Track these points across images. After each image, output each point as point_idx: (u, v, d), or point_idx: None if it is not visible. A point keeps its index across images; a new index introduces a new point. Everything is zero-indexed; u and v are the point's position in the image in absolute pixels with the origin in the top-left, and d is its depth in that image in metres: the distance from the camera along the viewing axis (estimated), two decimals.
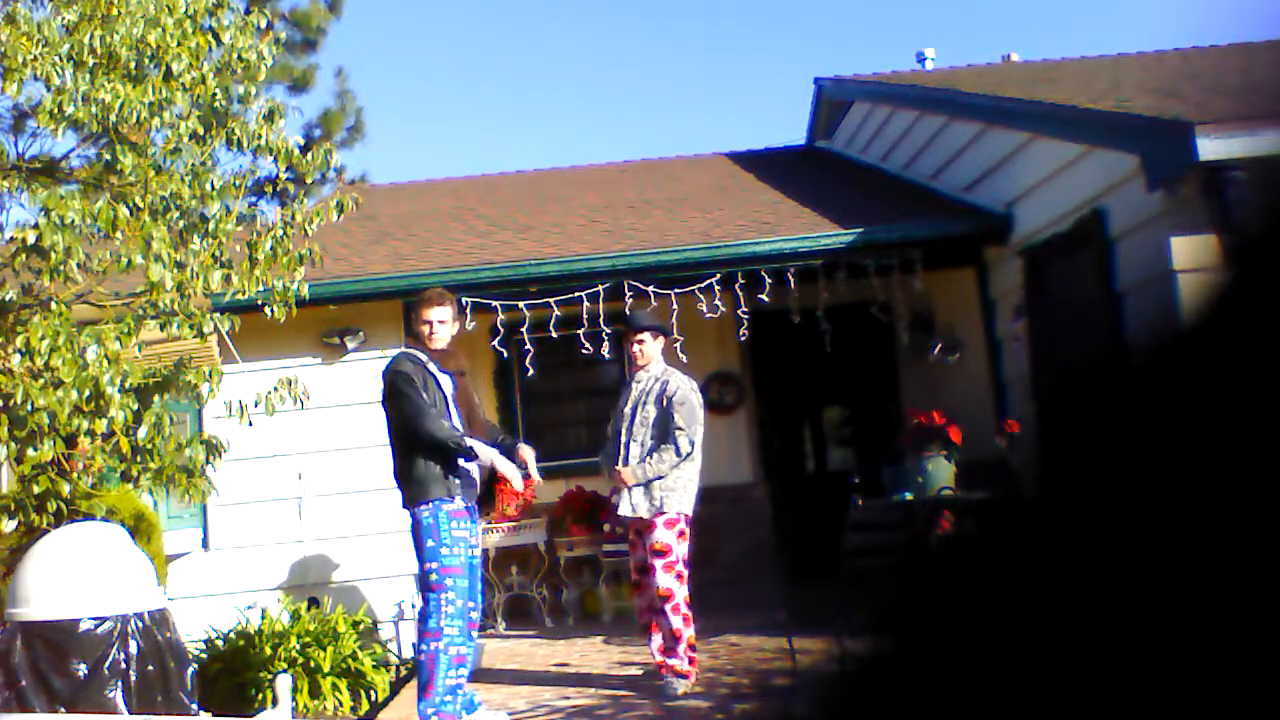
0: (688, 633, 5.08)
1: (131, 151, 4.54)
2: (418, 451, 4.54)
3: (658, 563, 5.07)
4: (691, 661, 5.09)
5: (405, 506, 4.64)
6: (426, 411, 4.51)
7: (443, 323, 4.79)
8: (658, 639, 5.14)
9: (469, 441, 4.53)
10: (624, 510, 5.16)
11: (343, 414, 7.02)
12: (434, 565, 4.50)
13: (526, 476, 4.76)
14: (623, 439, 5.23)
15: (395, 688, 5.98)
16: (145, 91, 4.41)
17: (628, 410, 5.27)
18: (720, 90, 35.90)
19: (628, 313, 6.03)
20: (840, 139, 10.85)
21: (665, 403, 5.15)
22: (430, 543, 4.51)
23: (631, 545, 5.36)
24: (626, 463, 5.15)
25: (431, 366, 4.70)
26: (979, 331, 7.51)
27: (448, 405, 4.67)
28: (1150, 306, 5.22)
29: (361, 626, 6.23)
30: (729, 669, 5.45)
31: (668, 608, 5.05)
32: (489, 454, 4.61)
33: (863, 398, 9.13)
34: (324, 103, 17.30)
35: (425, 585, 4.56)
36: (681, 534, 5.15)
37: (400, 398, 4.58)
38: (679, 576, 5.09)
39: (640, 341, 5.32)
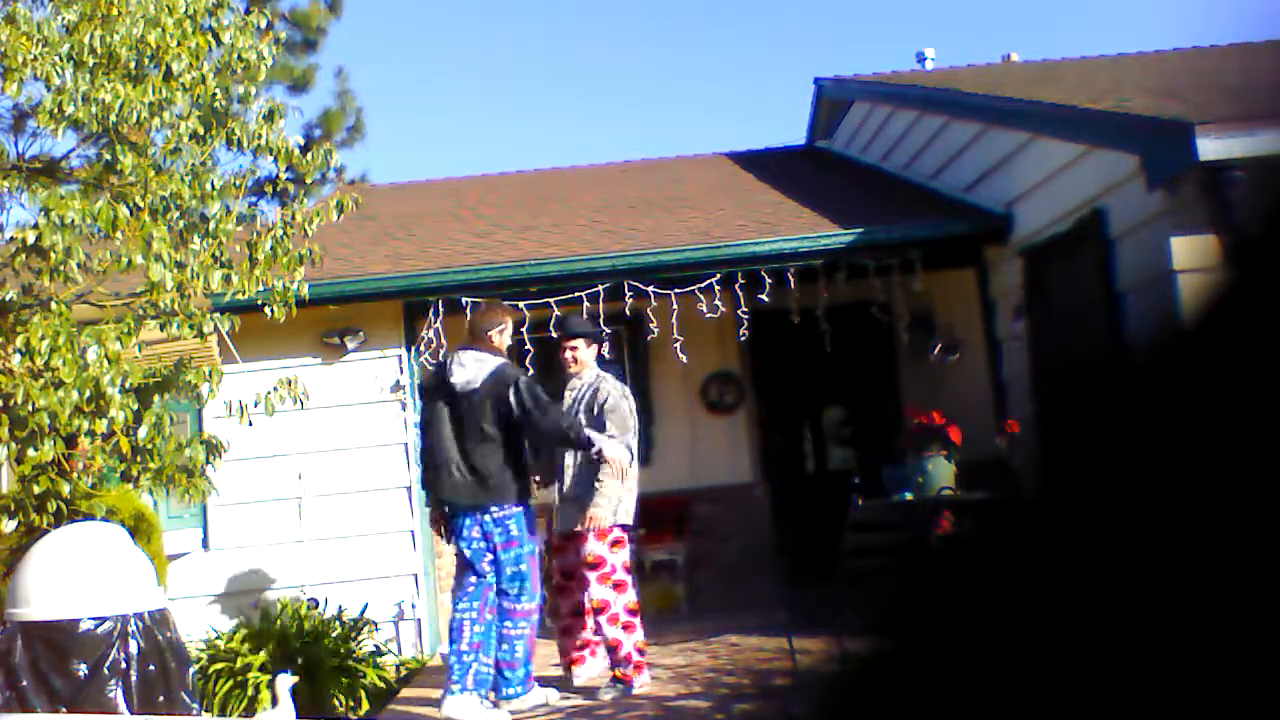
0: (631, 639, 5.06)
1: (131, 151, 4.54)
2: (520, 453, 4.90)
3: (591, 575, 5.02)
4: (638, 668, 5.07)
5: (496, 501, 4.79)
6: (564, 412, 5.03)
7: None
8: (563, 641, 5.30)
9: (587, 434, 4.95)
10: (562, 525, 5.17)
11: (343, 414, 7.02)
12: (531, 552, 4.92)
13: None
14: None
15: (395, 688, 5.98)
16: (145, 91, 4.41)
17: None
18: (720, 90, 35.91)
19: (572, 316, 5.98)
20: (840, 139, 10.84)
21: (596, 411, 5.09)
22: (531, 535, 4.92)
23: (558, 549, 5.34)
24: (562, 474, 5.16)
25: None
26: (979, 331, 7.51)
27: None
28: (1150, 306, 5.22)
29: (362, 626, 6.23)
30: (729, 669, 5.45)
31: (603, 619, 5.03)
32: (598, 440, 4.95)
33: (863, 398, 9.12)
34: (324, 103, 17.28)
35: (517, 571, 4.83)
36: (617, 543, 5.10)
37: (542, 399, 4.84)
38: (617, 586, 5.05)
39: (574, 348, 5.27)
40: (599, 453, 4.86)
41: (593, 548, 5.03)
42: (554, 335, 6.86)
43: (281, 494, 6.98)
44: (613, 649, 5.05)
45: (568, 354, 5.29)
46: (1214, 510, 0.49)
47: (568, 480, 5.17)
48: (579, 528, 5.07)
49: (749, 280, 7.00)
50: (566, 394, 5.31)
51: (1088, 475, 0.55)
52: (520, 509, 4.86)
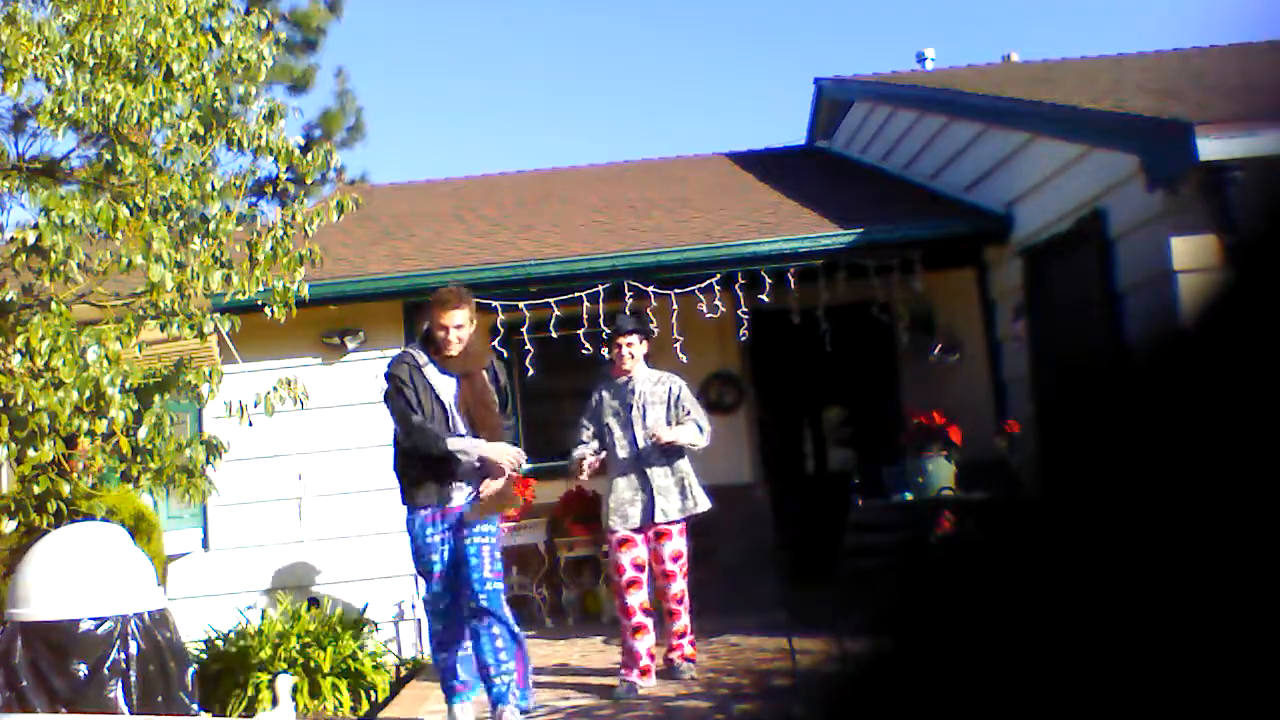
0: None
1: (132, 152, 4.54)
2: (403, 454, 4.63)
3: (676, 567, 5.30)
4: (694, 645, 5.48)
5: (405, 503, 4.75)
6: (409, 417, 4.52)
7: (460, 327, 4.58)
8: (650, 639, 5.26)
9: (450, 444, 4.46)
10: (659, 517, 5.23)
11: (343, 414, 7.02)
12: (414, 562, 4.78)
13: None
14: (635, 438, 5.31)
15: (395, 688, 5.98)
16: (145, 92, 4.40)
17: (635, 414, 5.33)
18: (720, 90, 35.88)
19: (621, 314, 6.04)
20: (840, 139, 10.84)
21: (672, 403, 5.36)
22: (411, 544, 4.72)
23: (625, 543, 5.27)
24: (649, 461, 5.27)
25: (429, 369, 4.59)
26: (979, 332, 7.51)
27: (444, 409, 4.55)
28: (1150, 306, 5.22)
29: (362, 626, 6.23)
30: (729, 669, 5.46)
31: (682, 608, 5.34)
32: (474, 449, 4.51)
33: (863, 398, 9.12)
34: (324, 103, 17.29)
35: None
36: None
37: (390, 399, 4.62)
38: (684, 577, 5.38)
39: (630, 344, 5.42)
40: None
41: (680, 543, 5.32)
42: (551, 333, 6.88)
43: (281, 494, 6.98)
44: (681, 635, 5.37)
45: (625, 350, 5.40)
46: (1213, 509, 0.49)
47: (652, 473, 5.26)
48: (657, 509, 5.24)
49: (749, 280, 7.00)
50: (626, 388, 5.37)
51: (1087, 475, 0.55)
52: (410, 512, 4.64)
